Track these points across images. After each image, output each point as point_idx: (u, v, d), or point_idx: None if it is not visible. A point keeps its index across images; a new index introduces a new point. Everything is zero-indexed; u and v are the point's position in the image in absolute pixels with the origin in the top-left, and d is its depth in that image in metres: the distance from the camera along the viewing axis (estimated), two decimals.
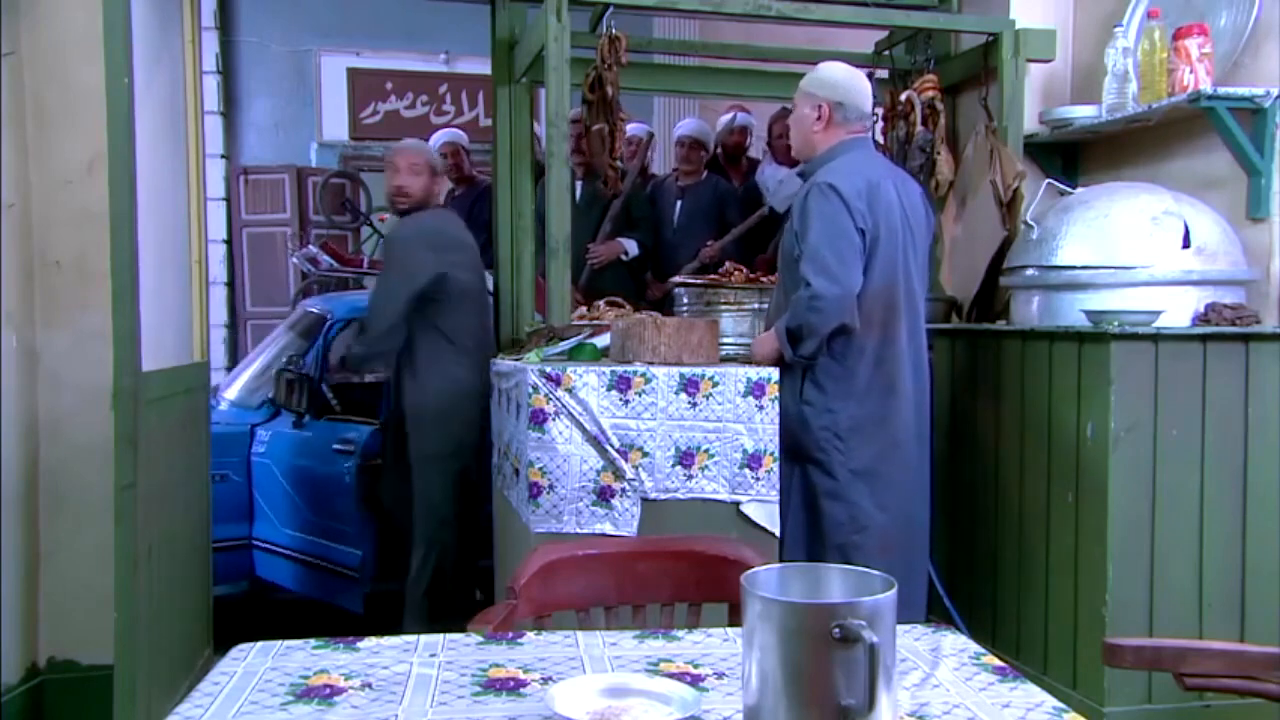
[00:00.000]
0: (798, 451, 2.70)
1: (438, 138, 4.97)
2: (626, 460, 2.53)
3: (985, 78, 3.62)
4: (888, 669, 0.97)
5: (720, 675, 1.28)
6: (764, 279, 3.47)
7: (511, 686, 1.24)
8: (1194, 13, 3.07)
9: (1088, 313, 2.77)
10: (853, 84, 2.77)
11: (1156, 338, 2.67)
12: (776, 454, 2.61)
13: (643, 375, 2.54)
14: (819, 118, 2.74)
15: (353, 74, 7.58)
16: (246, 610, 4.12)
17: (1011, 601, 3.06)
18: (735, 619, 1.53)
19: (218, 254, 7.12)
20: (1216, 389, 2.69)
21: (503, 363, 3.02)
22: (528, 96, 3.81)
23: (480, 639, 1.42)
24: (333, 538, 3.85)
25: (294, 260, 6.51)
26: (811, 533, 2.72)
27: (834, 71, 2.80)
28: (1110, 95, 3.18)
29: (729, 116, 4.94)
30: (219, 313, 7.15)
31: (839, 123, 2.74)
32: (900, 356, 2.72)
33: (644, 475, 2.54)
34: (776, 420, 2.60)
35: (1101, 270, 2.87)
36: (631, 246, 4.45)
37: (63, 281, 2.90)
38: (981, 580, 3.20)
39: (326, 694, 1.21)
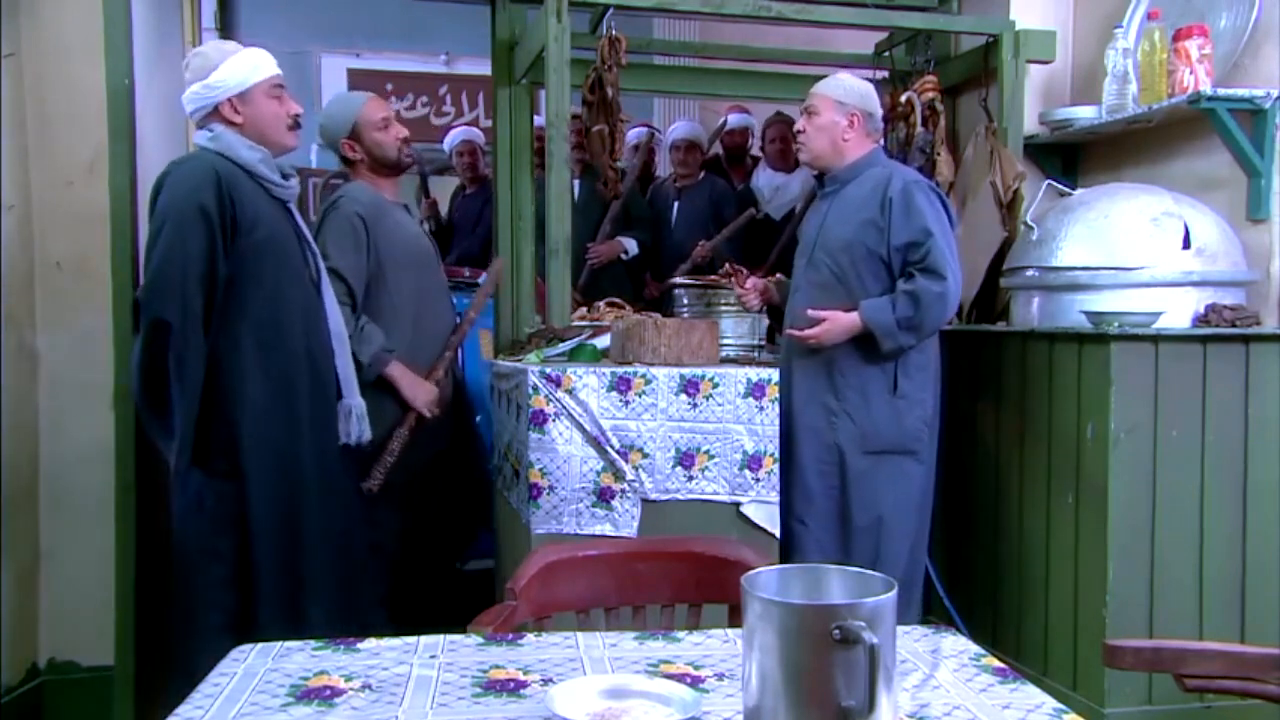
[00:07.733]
0: (885, 448, 2.76)
1: (454, 136, 4.95)
2: (626, 461, 2.53)
3: (985, 79, 3.62)
4: (888, 670, 0.97)
5: (721, 676, 1.28)
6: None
7: (511, 688, 1.24)
8: (1194, 14, 3.07)
9: (1088, 314, 2.77)
10: (875, 96, 2.89)
11: (1157, 339, 2.67)
12: (777, 455, 2.61)
13: (643, 376, 2.54)
14: (850, 126, 2.82)
15: (353, 75, 7.57)
16: None
17: (1012, 602, 3.06)
18: (735, 620, 1.53)
19: None
20: (1216, 390, 2.69)
21: (503, 363, 3.02)
22: (528, 97, 3.80)
23: (480, 640, 1.42)
24: None
25: None
26: (893, 532, 2.79)
27: (859, 82, 2.89)
28: (1110, 96, 3.18)
29: (721, 120, 4.97)
30: None
31: (868, 132, 2.85)
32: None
33: (644, 476, 2.54)
34: (777, 421, 2.60)
35: (1102, 271, 2.87)
36: (631, 245, 4.44)
37: (63, 282, 2.90)
38: (981, 581, 3.20)
39: (326, 695, 1.21)
